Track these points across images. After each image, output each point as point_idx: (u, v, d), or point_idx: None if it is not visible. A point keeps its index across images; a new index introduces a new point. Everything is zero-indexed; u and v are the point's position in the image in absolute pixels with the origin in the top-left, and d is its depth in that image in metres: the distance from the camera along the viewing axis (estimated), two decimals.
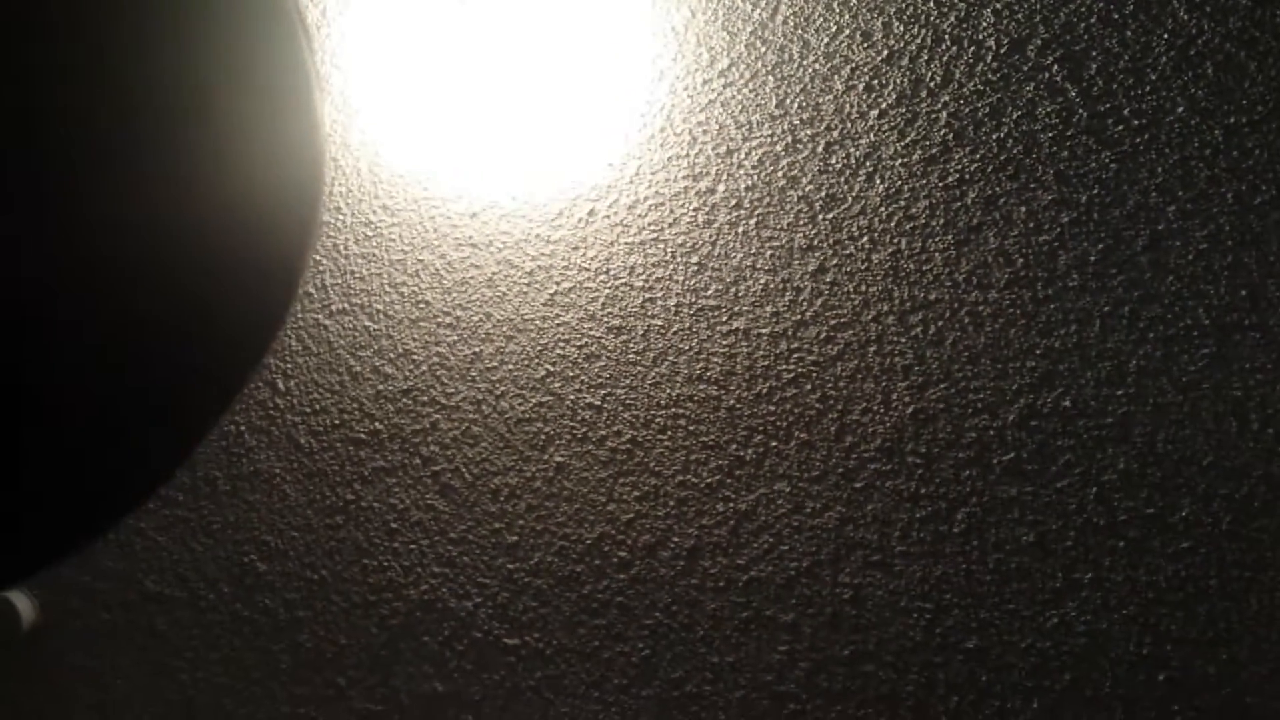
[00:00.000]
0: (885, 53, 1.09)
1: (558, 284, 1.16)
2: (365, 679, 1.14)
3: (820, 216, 1.09)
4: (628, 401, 1.11)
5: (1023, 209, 1.03)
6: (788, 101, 1.11)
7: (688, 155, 1.13)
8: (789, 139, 1.11)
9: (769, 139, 1.11)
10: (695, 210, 1.13)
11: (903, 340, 1.04)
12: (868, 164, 1.08)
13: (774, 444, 1.06)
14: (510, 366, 1.16)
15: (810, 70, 1.11)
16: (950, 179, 1.05)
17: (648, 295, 1.13)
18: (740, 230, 1.11)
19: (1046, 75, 1.04)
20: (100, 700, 1.20)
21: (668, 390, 1.10)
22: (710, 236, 1.12)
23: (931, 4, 1.08)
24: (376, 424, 1.18)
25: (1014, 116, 1.05)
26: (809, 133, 1.10)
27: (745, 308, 1.10)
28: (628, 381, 1.12)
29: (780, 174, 1.11)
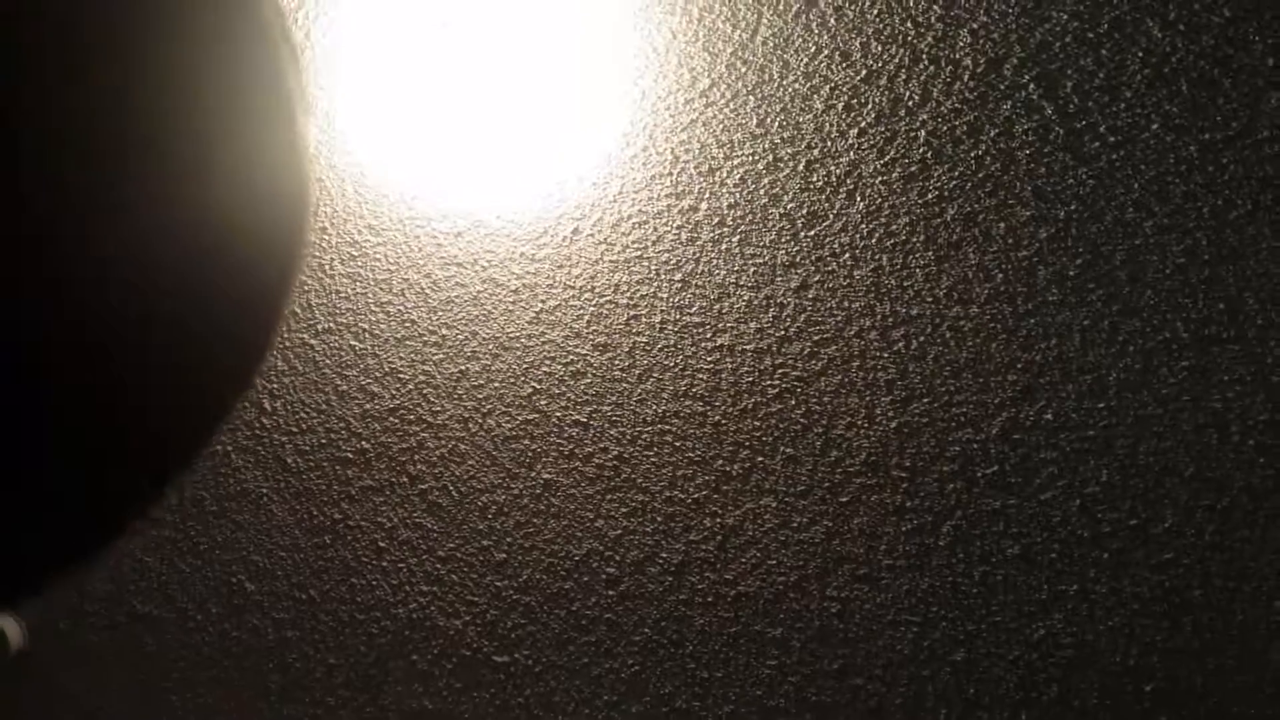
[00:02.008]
0: (864, 72, 1.10)
1: (543, 302, 1.16)
2: (355, 698, 1.14)
3: (802, 234, 1.10)
4: (614, 418, 1.12)
5: (1002, 225, 1.04)
6: (768, 121, 1.12)
7: (670, 174, 1.14)
8: (770, 157, 1.12)
9: (750, 157, 1.13)
10: (678, 228, 1.14)
11: (885, 355, 1.05)
12: (848, 182, 1.09)
13: (760, 459, 1.07)
14: (496, 384, 1.16)
15: (790, 90, 1.12)
16: (930, 196, 1.07)
17: (632, 312, 1.13)
18: (723, 248, 1.12)
19: (1023, 93, 1.06)
20: None
21: (653, 407, 1.11)
22: (694, 254, 1.13)
23: (909, 24, 1.10)
24: (363, 443, 1.19)
25: (992, 134, 1.06)
26: (790, 151, 1.11)
27: (729, 324, 1.10)
28: (614, 398, 1.12)
29: (762, 192, 1.12)
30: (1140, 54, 1.03)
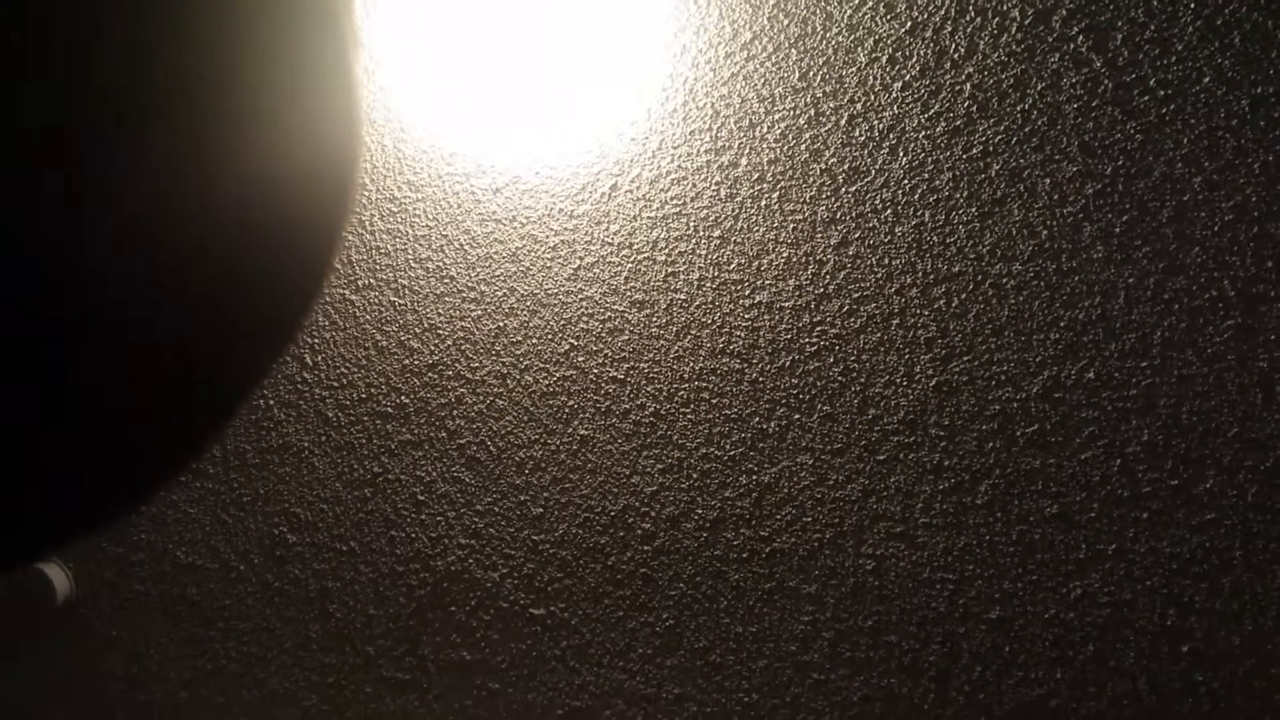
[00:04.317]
0: (909, 24, 1.08)
1: (581, 258, 1.16)
2: (394, 648, 1.16)
3: (843, 189, 1.09)
4: (651, 375, 1.12)
5: (1047, 180, 1.03)
6: (811, 74, 1.11)
7: (710, 129, 1.13)
8: (812, 112, 1.11)
9: (791, 112, 1.11)
10: (718, 184, 1.13)
11: (926, 313, 1.04)
12: (891, 136, 1.08)
13: (797, 416, 1.07)
14: (534, 341, 1.17)
15: (833, 42, 1.11)
16: (974, 151, 1.05)
17: (670, 269, 1.13)
18: (763, 204, 1.11)
19: (1071, 46, 1.04)
20: (134, 670, 1.22)
21: (691, 364, 1.11)
22: (733, 210, 1.12)
23: None
24: (403, 398, 1.20)
25: (1038, 88, 1.04)
26: (832, 105, 1.10)
27: (768, 281, 1.10)
28: (651, 355, 1.13)
29: (803, 147, 1.11)
30: (1192, 5, 1.01)
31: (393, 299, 1.22)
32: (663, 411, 1.11)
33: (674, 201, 1.14)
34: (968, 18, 1.07)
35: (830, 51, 1.11)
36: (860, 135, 1.09)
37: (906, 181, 1.07)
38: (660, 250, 1.14)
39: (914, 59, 1.08)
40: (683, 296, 1.13)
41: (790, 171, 1.11)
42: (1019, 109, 1.05)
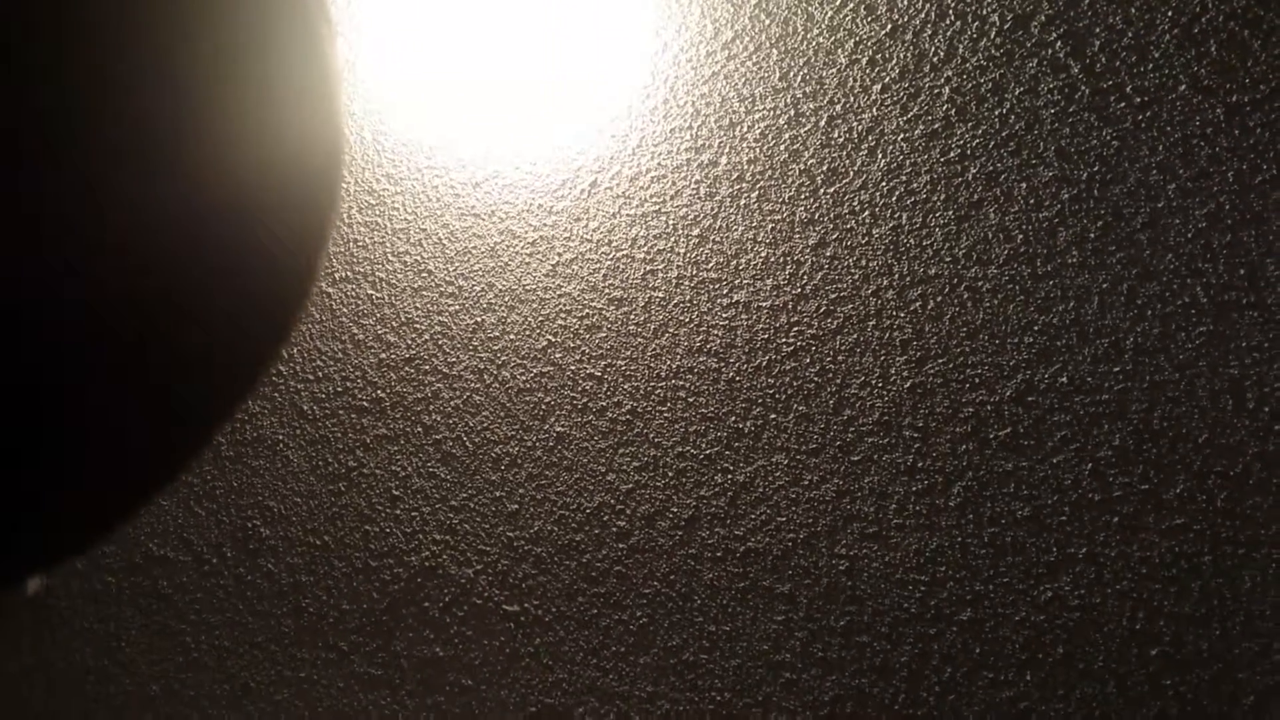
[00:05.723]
0: (889, 27, 1.09)
1: (560, 255, 1.16)
2: (366, 643, 1.15)
3: (822, 190, 1.09)
4: (628, 372, 1.12)
5: (1023, 185, 1.03)
6: (791, 74, 1.11)
7: (690, 128, 1.14)
8: (791, 112, 1.11)
9: (771, 112, 1.12)
10: (697, 183, 1.13)
11: (902, 315, 1.05)
12: (870, 138, 1.09)
13: (772, 416, 1.07)
14: (512, 336, 1.17)
15: (814, 43, 1.11)
16: (952, 154, 1.06)
17: (649, 267, 1.13)
18: (742, 203, 1.12)
19: (1049, 51, 1.04)
20: (104, 662, 1.21)
21: (668, 362, 1.11)
22: (712, 209, 1.12)
23: None
24: (379, 391, 1.19)
25: (1016, 92, 1.05)
26: (812, 106, 1.11)
27: (746, 281, 1.10)
28: (628, 353, 1.13)
29: (782, 147, 1.11)
30: (1170, 13, 1.01)
31: (370, 292, 1.22)
32: (639, 409, 1.11)
33: (653, 199, 1.14)
34: (947, 21, 1.07)
35: (811, 52, 1.11)
36: (839, 137, 1.10)
37: (884, 183, 1.08)
38: (639, 248, 1.14)
39: (894, 61, 1.09)
40: (661, 294, 1.13)
41: (769, 171, 1.11)
42: (997, 113, 1.05)
